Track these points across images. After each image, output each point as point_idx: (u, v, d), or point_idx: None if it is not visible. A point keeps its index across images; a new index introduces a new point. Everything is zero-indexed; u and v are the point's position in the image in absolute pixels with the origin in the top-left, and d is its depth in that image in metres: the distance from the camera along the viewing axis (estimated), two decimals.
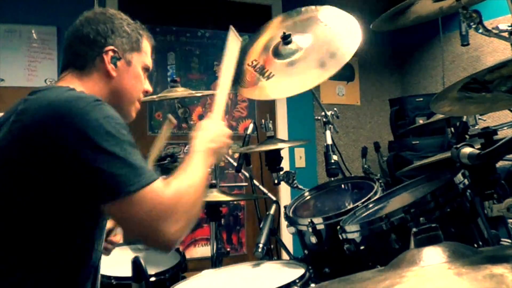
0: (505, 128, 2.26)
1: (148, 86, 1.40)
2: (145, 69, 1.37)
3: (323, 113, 2.05)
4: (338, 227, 1.45)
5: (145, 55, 1.36)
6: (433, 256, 0.67)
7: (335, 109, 2.08)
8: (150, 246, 1.14)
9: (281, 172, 1.98)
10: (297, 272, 1.45)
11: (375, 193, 1.62)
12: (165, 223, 1.06)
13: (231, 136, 1.42)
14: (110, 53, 1.27)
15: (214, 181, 2.08)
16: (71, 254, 1.13)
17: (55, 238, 1.09)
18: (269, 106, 3.74)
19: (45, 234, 1.08)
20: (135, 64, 1.32)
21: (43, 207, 1.06)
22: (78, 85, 1.24)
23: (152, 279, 1.70)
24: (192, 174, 1.20)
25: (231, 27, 1.63)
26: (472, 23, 1.43)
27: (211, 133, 1.35)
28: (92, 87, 1.26)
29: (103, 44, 1.27)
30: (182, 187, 1.14)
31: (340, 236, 1.43)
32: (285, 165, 2.06)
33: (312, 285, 1.38)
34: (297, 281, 1.37)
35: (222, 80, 1.54)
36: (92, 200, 1.07)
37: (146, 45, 1.38)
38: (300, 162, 3.74)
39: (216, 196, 1.97)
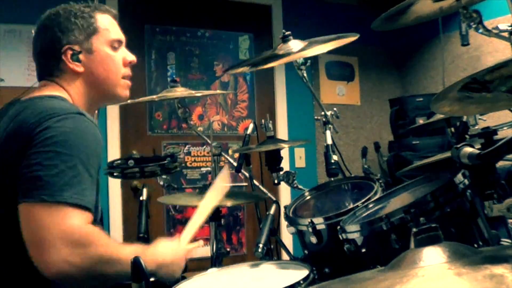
0: (505, 128, 2.26)
1: (130, 56, 1.35)
2: (115, 42, 1.32)
3: (323, 113, 2.05)
4: (338, 227, 1.45)
5: (106, 32, 1.31)
6: (433, 256, 0.67)
7: (335, 109, 2.08)
8: (35, 261, 1.01)
9: (281, 172, 1.98)
10: (301, 273, 1.45)
11: (375, 193, 1.62)
12: (60, 249, 0.97)
13: (186, 260, 1.30)
14: (68, 52, 1.26)
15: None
16: None
17: None
18: (269, 106, 3.75)
19: None
20: (98, 48, 1.29)
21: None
22: (60, 90, 1.26)
23: (152, 279, 1.70)
24: (122, 252, 1.07)
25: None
26: (472, 23, 1.43)
27: (169, 255, 1.23)
28: (69, 88, 1.27)
29: (58, 49, 1.26)
30: (104, 239, 1.05)
31: (340, 236, 1.43)
32: (285, 165, 2.06)
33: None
34: (301, 282, 1.37)
35: (200, 210, 1.45)
36: (15, 195, 1.03)
37: (104, 20, 1.32)
38: (300, 162, 3.74)
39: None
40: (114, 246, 1.08)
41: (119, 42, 1.34)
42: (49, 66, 1.28)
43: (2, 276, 1.09)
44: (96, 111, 1.79)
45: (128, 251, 1.07)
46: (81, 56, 1.27)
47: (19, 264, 1.07)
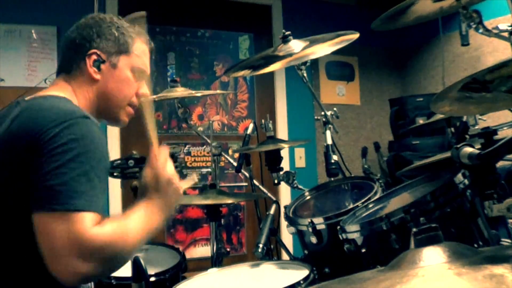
0: (505, 128, 2.26)
1: (144, 90, 1.36)
2: (138, 71, 1.34)
3: (323, 113, 2.05)
4: (338, 227, 1.45)
5: (136, 57, 1.33)
6: (433, 256, 0.67)
7: (335, 109, 2.08)
8: (51, 271, 1.01)
9: (281, 172, 1.98)
10: (301, 273, 1.45)
11: (375, 193, 1.62)
12: (73, 258, 0.98)
13: (178, 183, 1.26)
14: (93, 57, 1.27)
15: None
16: None
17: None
18: (269, 106, 3.75)
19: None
20: (121, 67, 1.30)
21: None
22: (68, 89, 1.27)
23: (152, 279, 1.70)
24: (132, 225, 1.10)
25: None
26: (472, 23, 1.43)
27: (157, 184, 1.21)
28: (80, 90, 1.28)
29: (87, 48, 1.27)
30: (115, 234, 1.05)
31: (340, 236, 1.43)
32: (285, 165, 2.06)
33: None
34: (301, 282, 1.37)
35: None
36: (27, 206, 1.03)
37: (140, 47, 1.35)
38: (300, 162, 3.74)
39: (216, 196, 1.97)
40: (121, 231, 1.07)
41: (143, 72, 1.36)
42: (71, 61, 1.29)
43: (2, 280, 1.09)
44: None
45: (135, 224, 1.10)
46: (103, 66, 1.28)
47: (18, 266, 1.07)
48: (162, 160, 1.24)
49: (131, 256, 1.13)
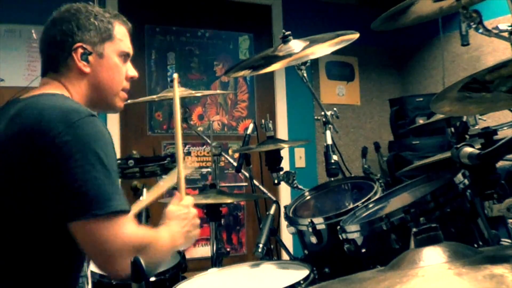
0: (505, 128, 2.26)
1: (132, 72, 1.36)
2: (124, 54, 1.33)
3: (323, 113, 2.05)
4: (338, 227, 1.45)
5: (119, 42, 1.32)
6: (433, 256, 0.67)
7: (335, 109, 2.08)
8: (104, 271, 1.10)
9: (281, 172, 1.98)
10: (301, 273, 1.45)
11: (375, 193, 1.62)
12: (129, 257, 0.99)
13: (197, 216, 1.36)
14: (80, 50, 1.25)
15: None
16: (60, 264, 1.13)
17: (50, 242, 1.09)
18: (269, 106, 3.75)
19: (37, 240, 1.08)
20: (108, 54, 1.29)
21: (35, 212, 1.07)
22: (60, 87, 1.25)
23: (152, 279, 1.70)
24: (160, 238, 1.18)
25: None
26: (472, 23, 1.43)
27: (180, 221, 1.30)
28: (71, 87, 1.26)
29: (70, 43, 1.25)
30: (147, 237, 1.14)
31: (340, 236, 1.43)
32: (285, 165, 2.06)
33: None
34: (301, 282, 1.37)
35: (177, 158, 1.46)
36: (59, 216, 1.05)
37: (120, 31, 1.33)
38: (300, 162, 3.74)
39: (216, 196, 1.97)
40: (160, 238, 1.18)
41: (128, 55, 1.35)
42: (57, 59, 1.27)
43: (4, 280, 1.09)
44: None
45: (165, 236, 1.20)
46: (90, 57, 1.27)
47: (18, 266, 1.07)
48: (187, 202, 1.35)
49: (158, 261, 1.20)
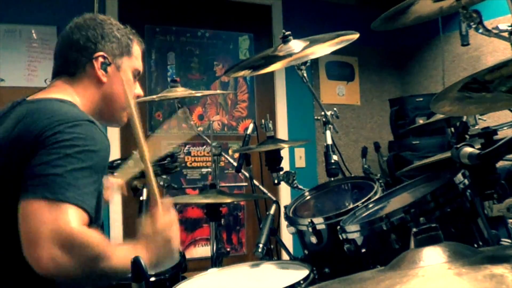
0: (505, 128, 2.26)
1: (139, 91, 1.40)
2: (136, 73, 1.37)
3: (323, 113, 2.05)
4: (338, 227, 1.45)
5: (135, 60, 1.36)
6: (433, 256, 0.67)
7: (335, 109, 2.08)
8: (28, 257, 1.00)
9: (281, 172, 1.98)
10: (301, 273, 1.45)
11: (375, 193, 1.62)
12: (54, 246, 0.97)
13: (176, 224, 1.21)
14: (100, 59, 1.28)
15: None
16: None
17: None
18: (269, 106, 3.75)
19: None
20: (125, 69, 1.32)
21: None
22: (70, 92, 1.26)
23: (152, 279, 1.70)
24: (118, 249, 1.08)
25: None
26: (472, 23, 1.43)
27: (154, 237, 1.17)
28: (83, 93, 1.28)
29: (93, 50, 1.27)
30: (101, 243, 1.04)
31: (340, 236, 1.43)
32: (285, 165, 2.06)
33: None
34: (301, 282, 1.37)
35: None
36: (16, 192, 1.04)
37: (137, 49, 1.38)
38: (300, 162, 3.74)
39: (216, 196, 1.97)
40: (107, 245, 1.06)
41: (138, 74, 1.39)
42: (76, 63, 1.27)
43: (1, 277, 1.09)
44: None
45: (121, 251, 1.08)
46: (109, 68, 1.29)
47: (18, 266, 1.07)
48: (162, 216, 1.18)
49: (109, 276, 1.08)
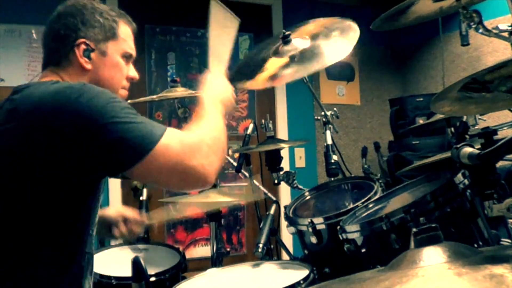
0: (505, 128, 2.27)
1: (133, 73, 1.36)
2: (127, 55, 1.33)
3: (323, 113, 2.05)
4: (338, 227, 1.45)
5: (123, 42, 1.32)
6: (433, 256, 0.67)
7: (335, 109, 2.08)
8: (191, 187, 1.18)
9: (281, 172, 1.98)
10: (302, 273, 1.45)
11: (375, 193, 1.62)
12: (194, 159, 1.09)
13: (234, 94, 1.45)
14: (82, 46, 1.25)
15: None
16: (67, 239, 1.13)
17: (54, 224, 1.10)
18: (269, 106, 3.75)
19: (43, 221, 1.09)
20: (111, 53, 1.29)
21: (42, 193, 1.08)
22: (58, 80, 1.25)
23: (152, 279, 1.70)
24: (210, 118, 1.24)
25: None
26: (472, 23, 1.43)
27: (217, 91, 1.39)
28: (69, 81, 1.25)
29: (74, 38, 1.24)
30: (203, 128, 1.19)
31: (340, 236, 1.43)
32: (285, 165, 2.06)
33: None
34: (301, 282, 1.37)
35: (218, 36, 1.55)
36: (114, 170, 1.11)
37: (125, 31, 1.33)
38: (300, 162, 3.73)
39: (216, 196, 1.97)
40: (206, 121, 1.23)
41: (131, 56, 1.35)
42: (58, 52, 1.26)
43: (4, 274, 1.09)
44: None
45: (210, 114, 1.27)
46: (92, 55, 1.26)
47: (22, 258, 1.08)
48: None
49: (224, 139, 1.23)
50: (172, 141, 1.09)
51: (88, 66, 1.26)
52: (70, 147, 1.05)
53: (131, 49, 1.35)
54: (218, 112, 1.29)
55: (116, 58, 1.30)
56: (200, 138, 1.14)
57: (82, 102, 1.07)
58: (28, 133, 1.07)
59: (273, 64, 1.79)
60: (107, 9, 1.31)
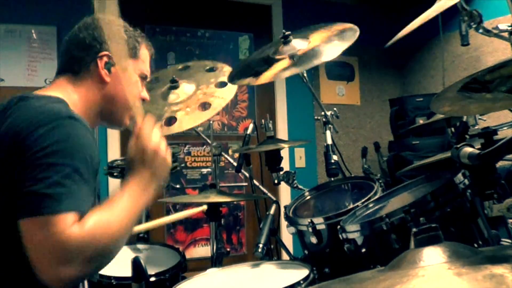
0: (505, 128, 2.27)
1: (145, 94, 1.39)
2: (143, 76, 1.36)
3: (323, 113, 2.05)
4: (338, 227, 1.45)
5: (142, 63, 1.36)
6: (433, 256, 0.67)
7: (335, 109, 2.08)
8: (40, 280, 0.98)
9: (281, 172, 1.98)
10: (302, 272, 1.45)
11: (375, 193, 1.62)
12: (55, 264, 0.96)
13: (167, 151, 1.21)
14: (105, 59, 1.27)
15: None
16: None
17: None
18: (269, 106, 3.75)
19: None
20: (131, 71, 1.32)
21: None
22: (71, 90, 1.26)
23: (152, 279, 1.70)
24: (117, 213, 1.06)
25: None
26: (472, 23, 1.43)
27: (142, 156, 1.16)
28: (85, 92, 1.27)
29: (98, 50, 1.27)
30: (97, 228, 1.01)
31: (340, 236, 1.43)
32: (285, 165, 2.06)
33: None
34: (301, 282, 1.37)
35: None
36: (12, 208, 1.01)
37: (144, 53, 1.38)
38: (300, 162, 3.74)
39: (216, 196, 1.97)
40: (103, 222, 1.03)
41: (145, 78, 1.38)
42: (80, 61, 1.27)
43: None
44: None
45: (117, 210, 1.06)
46: (113, 69, 1.28)
47: (16, 279, 1.07)
48: (147, 130, 1.17)
49: (119, 247, 1.08)
50: (58, 227, 0.96)
51: (108, 79, 1.28)
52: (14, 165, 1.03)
53: (147, 71, 1.39)
54: (136, 198, 1.11)
55: (134, 76, 1.33)
56: (88, 241, 0.98)
57: (47, 134, 1.03)
58: (3, 147, 1.06)
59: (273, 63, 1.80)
60: (131, 28, 1.35)
